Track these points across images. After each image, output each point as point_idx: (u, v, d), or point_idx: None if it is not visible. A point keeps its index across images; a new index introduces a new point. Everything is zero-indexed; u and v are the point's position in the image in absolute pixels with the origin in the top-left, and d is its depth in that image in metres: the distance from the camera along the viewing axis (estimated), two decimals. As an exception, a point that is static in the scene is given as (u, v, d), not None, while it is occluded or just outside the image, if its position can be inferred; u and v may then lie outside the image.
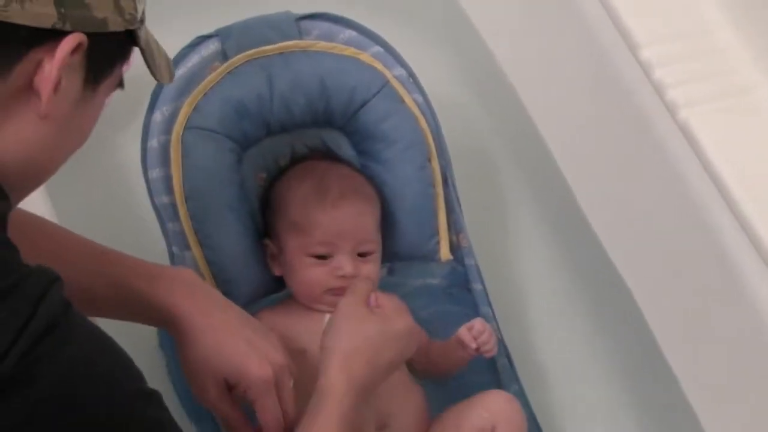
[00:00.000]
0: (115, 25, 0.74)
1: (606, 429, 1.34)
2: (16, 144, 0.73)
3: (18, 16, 0.68)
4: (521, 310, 1.41)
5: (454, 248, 1.31)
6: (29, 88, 0.71)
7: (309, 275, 1.17)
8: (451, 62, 1.61)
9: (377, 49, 1.31)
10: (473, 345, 1.16)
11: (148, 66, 0.81)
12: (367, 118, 1.28)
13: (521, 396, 1.24)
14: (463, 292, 1.31)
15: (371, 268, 1.19)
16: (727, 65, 1.22)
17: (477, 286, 1.30)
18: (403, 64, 1.31)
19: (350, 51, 1.29)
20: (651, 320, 1.33)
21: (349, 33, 1.30)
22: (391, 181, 1.28)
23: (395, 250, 1.29)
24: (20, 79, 0.70)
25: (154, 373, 1.05)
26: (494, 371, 1.26)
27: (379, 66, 1.29)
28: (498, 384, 1.25)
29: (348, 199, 1.19)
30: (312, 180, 1.20)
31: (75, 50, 0.71)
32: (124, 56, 0.79)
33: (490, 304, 1.30)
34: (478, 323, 1.18)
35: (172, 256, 1.21)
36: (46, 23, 0.69)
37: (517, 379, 1.26)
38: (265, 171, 1.28)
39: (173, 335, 1.00)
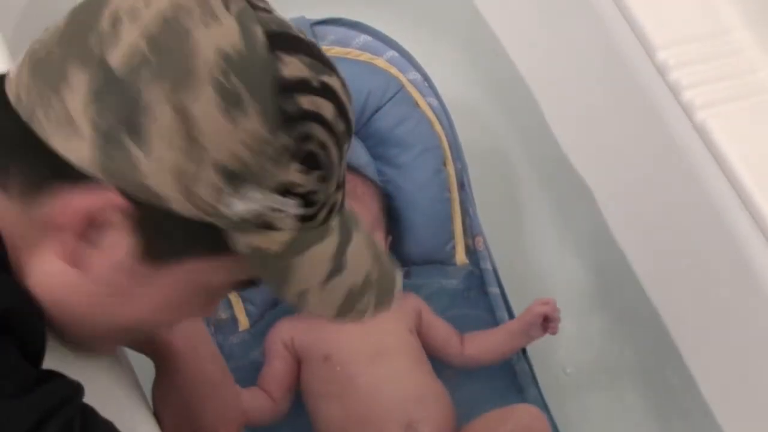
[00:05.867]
0: (183, 208, 0.57)
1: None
2: (42, 284, 0.62)
3: (46, 133, 0.57)
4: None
5: (469, 252, 1.31)
6: (56, 227, 0.59)
7: None
8: (467, 65, 1.60)
9: (392, 53, 1.31)
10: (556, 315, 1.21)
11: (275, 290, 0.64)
12: (381, 122, 1.29)
13: (540, 401, 1.24)
14: (479, 295, 1.31)
15: None
16: (744, 66, 1.21)
17: (493, 290, 1.30)
18: (418, 68, 1.31)
19: (365, 56, 1.29)
20: (667, 319, 1.33)
21: (365, 38, 1.30)
22: (406, 186, 1.28)
23: (411, 254, 1.29)
24: (45, 210, 0.59)
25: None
26: (513, 374, 1.26)
27: (394, 71, 1.29)
28: (516, 387, 1.25)
29: None
30: None
31: (111, 208, 0.58)
32: (214, 252, 0.60)
33: (507, 308, 1.29)
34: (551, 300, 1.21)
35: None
36: (75, 161, 0.56)
37: (536, 384, 1.26)
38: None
39: (160, 366, 0.92)
